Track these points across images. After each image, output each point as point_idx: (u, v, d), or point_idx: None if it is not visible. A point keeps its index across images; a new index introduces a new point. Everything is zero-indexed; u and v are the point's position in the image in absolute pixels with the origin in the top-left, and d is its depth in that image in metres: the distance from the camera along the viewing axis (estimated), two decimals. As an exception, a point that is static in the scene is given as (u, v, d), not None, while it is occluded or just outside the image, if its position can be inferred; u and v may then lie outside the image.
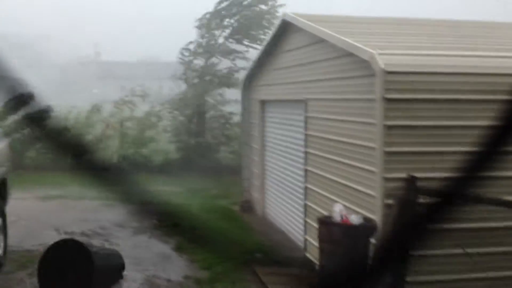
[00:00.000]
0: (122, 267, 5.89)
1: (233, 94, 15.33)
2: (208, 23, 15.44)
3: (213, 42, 15.44)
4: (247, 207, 10.14)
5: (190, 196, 11.77)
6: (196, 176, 14.26)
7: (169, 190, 12.67)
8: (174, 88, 16.18)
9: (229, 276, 6.21)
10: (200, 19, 15.54)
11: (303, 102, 6.96)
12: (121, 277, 5.87)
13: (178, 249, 7.39)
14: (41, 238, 7.20)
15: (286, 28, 7.76)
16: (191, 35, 16.24)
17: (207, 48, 15.36)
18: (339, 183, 5.74)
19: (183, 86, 15.97)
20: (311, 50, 6.69)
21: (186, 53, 15.73)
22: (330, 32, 5.83)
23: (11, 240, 6.63)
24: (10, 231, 6.74)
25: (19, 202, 9.11)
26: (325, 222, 5.23)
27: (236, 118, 15.23)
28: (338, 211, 5.14)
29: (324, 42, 6.10)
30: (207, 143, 15.37)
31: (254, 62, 9.51)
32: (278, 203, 8.78)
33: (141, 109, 15.99)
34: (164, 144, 15.84)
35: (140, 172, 14.83)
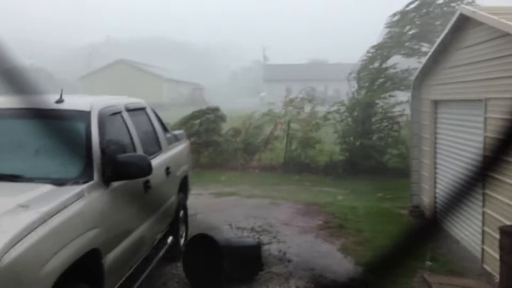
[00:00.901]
0: (259, 260, 6.07)
1: (402, 95, 14.82)
2: (395, 24, 15.17)
3: (396, 42, 15.09)
4: (416, 212, 9.70)
5: (355, 198, 11.66)
6: (361, 178, 14.08)
7: (334, 191, 12.71)
8: (340, 90, 16.19)
9: (398, 282, 6.00)
10: (388, 22, 15.38)
11: (482, 102, 6.43)
12: (260, 269, 6.04)
13: (344, 250, 7.35)
14: (216, 231, 7.72)
15: (463, 23, 7.25)
16: (358, 37, 16.14)
17: (388, 50, 15.05)
18: (526, 190, 5.18)
19: (353, 88, 15.86)
20: (493, 45, 6.14)
21: (367, 55, 15.63)
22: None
23: (190, 231, 7.21)
24: (189, 223, 7.37)
25: (197, 197, 9.93)
26: (509, 232, 4.77)
27: (404, 120, 14.71)
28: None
29: (509, 36, 5.56)
30: (373, 145, 15.07)
31: (426, 61, 9.05)
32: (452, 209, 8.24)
33: (308, 110, 16.26)
34: (329, 145, 15.93)
35: (305, 172, 15.14)
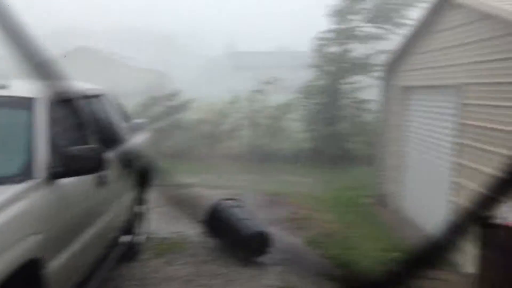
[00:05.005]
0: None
1: (368, 80, 14.65)
2: (344, 9, 14.93)
3: (348, 27, 14.88)
4: (382, 200, 9.53)
5: (321, 187, 11.42)
6: (327, 167, 13.87)
7: (299, 180, 12.44)
8: (306, 77, 15.93)
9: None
10: (334, 6, 15.12)
11: (457, 88, 6.20)
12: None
13: (310, 243, 7.08)
14: (177, 226, 7.33)
15: (441, 6, 6.97)
16: (320, 23, 15.83)
17: (343, 35, 14.84)
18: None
19: (315, 74, 15.63)
20: (472, 28, 5.89)
21: (320, 41, 15.38)
22: (500, 6, 5.03)
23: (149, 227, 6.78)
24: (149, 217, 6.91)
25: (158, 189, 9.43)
26: (487, 224, 4.53)
27: (370, 106, 14.56)
28: (504, 212, 4.42)
29: (491, 19, 5.30)
30: (339, 132, 14.88)
31: (398, 46, 8.80)
32: (418, 198, 8.07)
33: (274, 98, 15.96)
34: (296, 134, 15.67)
35: (271, 161, 14.82)
